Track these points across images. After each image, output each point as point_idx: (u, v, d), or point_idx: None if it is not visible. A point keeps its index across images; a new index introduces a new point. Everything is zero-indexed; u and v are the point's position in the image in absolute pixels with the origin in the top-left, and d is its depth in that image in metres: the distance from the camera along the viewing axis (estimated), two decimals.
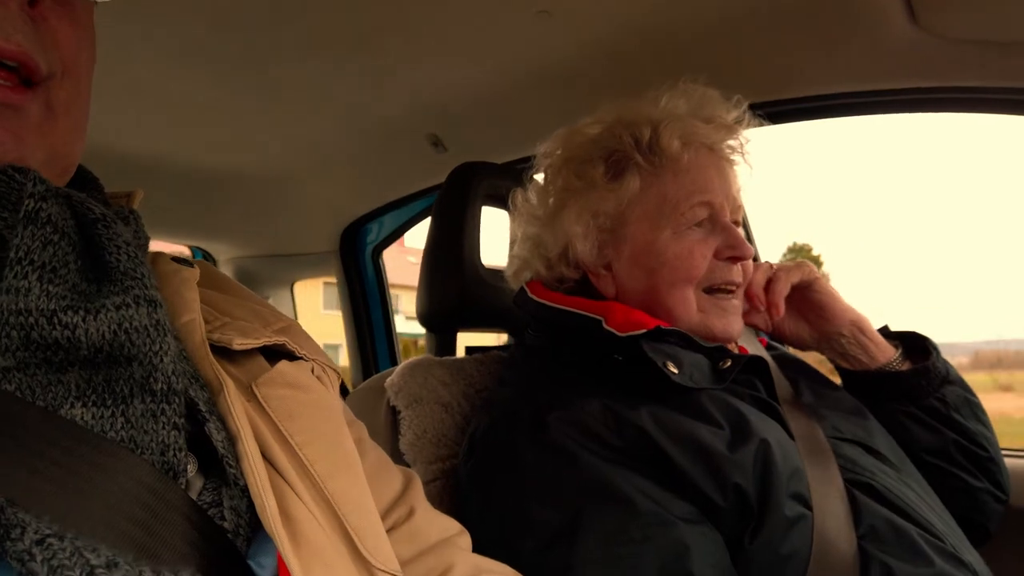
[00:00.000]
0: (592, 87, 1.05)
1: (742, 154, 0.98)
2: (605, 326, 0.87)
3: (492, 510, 0.78)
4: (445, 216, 1.18)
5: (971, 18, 1.01)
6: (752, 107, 0.97)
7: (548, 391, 0.86)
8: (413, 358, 1.10)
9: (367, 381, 1.16)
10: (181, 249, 2.21)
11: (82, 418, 0.41)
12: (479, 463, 0.87)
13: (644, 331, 0.85)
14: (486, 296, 1.17)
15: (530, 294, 0.98)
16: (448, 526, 0.69)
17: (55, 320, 0.41)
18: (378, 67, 1.29)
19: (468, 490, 0.88)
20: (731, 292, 0.93)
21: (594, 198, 0.95)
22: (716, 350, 0.89)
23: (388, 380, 1.06)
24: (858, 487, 0.82)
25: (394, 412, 1.04)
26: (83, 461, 0.40)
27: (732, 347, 0.98)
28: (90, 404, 0.42)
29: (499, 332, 1.28)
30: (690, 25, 1.11)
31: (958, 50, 1.06)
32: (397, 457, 0.99)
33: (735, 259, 0.92)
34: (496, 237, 1.24)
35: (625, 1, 1.06)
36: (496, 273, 1.20)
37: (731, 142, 0.97)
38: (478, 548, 0.71)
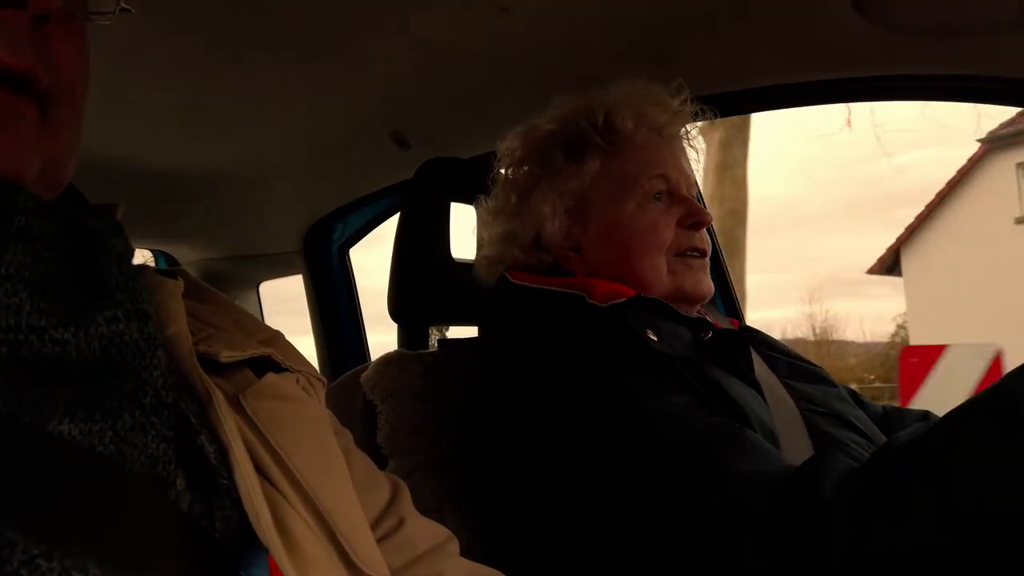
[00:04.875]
0: (556, 81, 1.07)
1: (688, 139, 1.06)
2: (588, 300, 0.91)
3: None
4: (413, 211, 1.19)
5: (915, 8, 1.05)
6: (711, 98, 1.02)
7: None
8: (386, 353, 1.11)
9: (341, 377, 1.17)
10: (143, 254, 2.18)
11: (69, 433, 0.40)
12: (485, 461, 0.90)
13: (624, 300, 0.89)
14: (456, 290, 1.19)
15: (512, 279, 1.01)
16: (437, 532, 0.70)
17: (46, 337, 0.41)
18: (339, 65, 1.29)
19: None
20: (699, 255, 0.99)
21: (558, 180, 1.00)
22: (698, 322, 0.94)
23: (363, 375, 1.07)
24: None
25: (370, 407, 1.05)
26: (71, 478, 0.40)
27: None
28: (78, 420, 0.41)
29: (470, 325, 1.30)
30: (647, 20, 1.13)
31: (904, 40, 1.10)
32: (375, 451, 1.00)
33: (697, 225, 0.98)
34: (464, 232, 1.25)
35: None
36: (466, 267, 1.22)
37: (677, 129, 1.04)
38: None
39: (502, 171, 1.09)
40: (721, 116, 1.35)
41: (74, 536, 0.37)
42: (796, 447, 0.85)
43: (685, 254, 0.98)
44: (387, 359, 1.09)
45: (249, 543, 0.47)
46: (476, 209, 1.11)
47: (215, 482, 0.47)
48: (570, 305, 0.93)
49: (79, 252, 0.46)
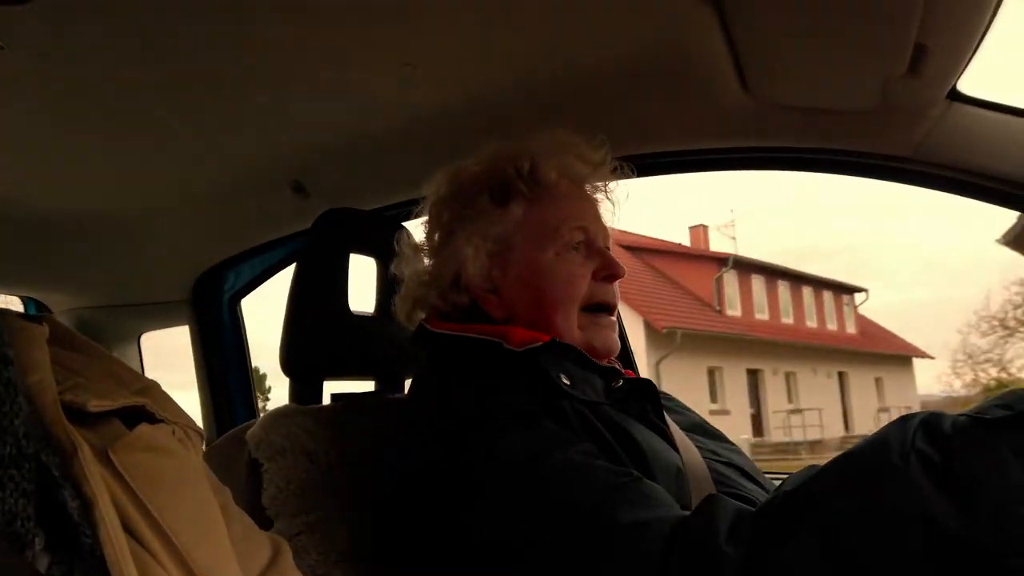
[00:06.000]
0: (459, 137, 1.09)
1: (606, 192, 1.10)
2: (505, 346, 0.93)
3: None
4: (312, 262, 1.16)
5: (795, 87, 1.14)
6: (620, 160, 1.08)
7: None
8: (276, 408, 1.06)
9: (226, 435, 1.11)
10: (10, 300, 2.01)
11: None
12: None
13: (540, 344, 0.92)
14: (354, 343, 1.16)
15: (429, 328, 1.01)
16: None
17: None
18: (236, 110, 1.26)
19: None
20: (609, 311, 1.03)
21: (483, 223, 1.02)
22: (609, 370, 0.98)
23: (249, 432, 1.02)
24: (737, 500, 0.88)
25: (254, 466, 1.00)
26: None
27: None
28: None
29: (367, 380, 1.26)
30: (545, 83, 1.17)
31: (784, 115, 1.19)
32: (259, 513, 0.95)
33: (611, 278, 1.02)
34: (363, 284, 1.23)
35: (486, 58, 1.11)
36: (364, 320, 1.19)
37: (597, 182, 1.08)
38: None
39: (427, 209, 1.09)
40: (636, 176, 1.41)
41: None
42: (703, 491, 0.87)
43: (596, 309, 1.01)
44: (276, 414, 1.04)
45: None
46: (396, 244, 1.10)
47: (77, 541, 0.44)
48: (487, 351, 0.95)
49: None
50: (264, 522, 0.94)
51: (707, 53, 1.05)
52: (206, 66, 1.10)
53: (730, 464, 0.98)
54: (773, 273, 18.73)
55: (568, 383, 0.89)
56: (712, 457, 0.97)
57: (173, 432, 0.58)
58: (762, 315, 18.09)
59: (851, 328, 20.44)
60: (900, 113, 1.11)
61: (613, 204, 1.11)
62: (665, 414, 1.00)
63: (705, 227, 19.73)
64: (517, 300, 1.00)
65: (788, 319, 18.85)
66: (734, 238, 20.74)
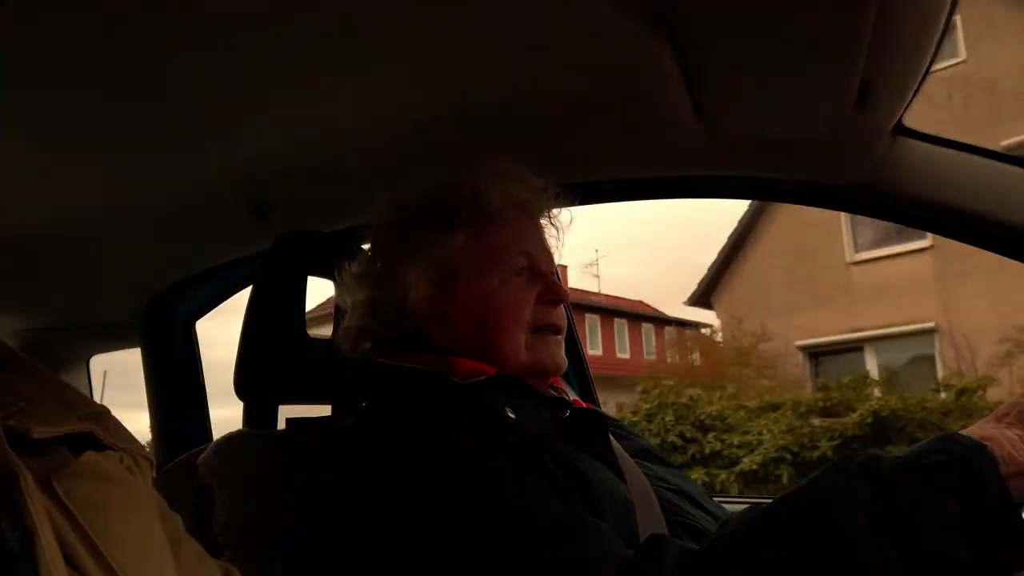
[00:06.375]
0: (418, 158, 1.09)
1: (550, 218, 1.11)
2: (450, 378, 0.92)
3: None
4: (269, 285, 1.15)
5: (747, 118, 1.16)
6: (563, 187, 1.08)
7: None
8: (228, 433, 1.05)
9: (177, 460, 1.09)
10: None
11: None
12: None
13: (485, 378, 0.91)
14: (311, 367, 1.15)
15: (374, 358, 1.00)
16: None
17: None
18: (194, 129, 1.24)
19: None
20: (556, 333, 1.03)
21: (425, 250, 1.01)
22: (556, 401, 0.98)
23: (201, 458, 1.00)
24: (684, 528, 0.90)
25: (205, 492, 0.98)
26: None
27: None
28: None
29: (323, 404, 1.25)
30: (500, 108, 1.18)
31: (735, 144, 1.22)
32: (209, 540, 0.93)
33: (555, 302, 1.03)
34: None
35: (440, 83, 1.12)
36: (321, 343, 1.18)
37: (541, 208, 1.09)
38: None
39: (369, 237, 1.09)
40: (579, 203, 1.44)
41: None
42: (650, 519, 0.88)
43: (542, 330, 1.02)
44: (228, 439, 1.02)
45: None
46: (338, 275, 1.09)
47: (16, 574, 0.43)
48: (432, 383, 0.94)
49: None
50: (215, 549, 0.92)
51: (661, 82, 1.07)
52: (160, 83, 1.09)
53: (679, 491, 1.00)
54: (610, 312, 19.44)
55: (513, 416, 0.89)
56: (660, 484, 0.98)
57: (121, 460, 0.56)
58: (595, 351, 18.67)
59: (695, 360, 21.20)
60: (848, 145, 1.14)
61: (557, 230, 1.12)
62: (614, 441, 1.00)
63: (564, 267, 20.03)
64: (461, 327, 1.00)
65: (624, 354, 19.58)
66: (598, 276, 21.01)
